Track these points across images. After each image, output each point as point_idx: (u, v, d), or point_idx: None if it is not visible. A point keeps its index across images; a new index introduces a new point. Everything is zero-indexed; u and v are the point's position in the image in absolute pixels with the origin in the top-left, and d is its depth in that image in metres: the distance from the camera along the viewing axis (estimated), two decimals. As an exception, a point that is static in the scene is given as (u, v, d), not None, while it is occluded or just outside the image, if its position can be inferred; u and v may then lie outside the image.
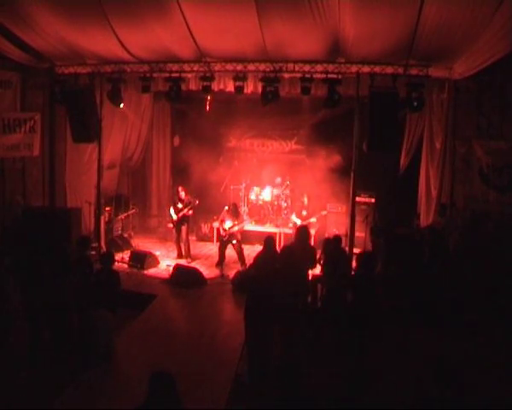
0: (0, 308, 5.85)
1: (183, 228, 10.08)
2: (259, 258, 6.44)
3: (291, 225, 11.21)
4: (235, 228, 9.37)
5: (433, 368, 3.95)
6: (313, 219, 10.24)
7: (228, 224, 9.39)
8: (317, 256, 7.36)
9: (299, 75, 8.70)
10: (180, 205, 10.00)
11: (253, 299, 5.83)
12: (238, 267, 9.32)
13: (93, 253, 9.14)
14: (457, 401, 3.85)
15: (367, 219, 9.99)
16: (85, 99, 9.45)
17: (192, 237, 11.00)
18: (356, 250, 9.55)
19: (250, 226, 11.21)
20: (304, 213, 10.30)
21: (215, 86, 9.31)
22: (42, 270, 6.14)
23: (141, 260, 9.52)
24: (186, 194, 10.06)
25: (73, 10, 7.72)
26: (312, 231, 9.89)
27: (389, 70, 8.36)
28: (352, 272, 7.87)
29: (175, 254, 10.36)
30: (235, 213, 9.46)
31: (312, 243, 9.19)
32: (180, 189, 10.13)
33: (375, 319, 6.32)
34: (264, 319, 5.70)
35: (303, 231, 7.05)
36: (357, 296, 6.07)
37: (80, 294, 6.11)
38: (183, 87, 9.32)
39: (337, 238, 7.16)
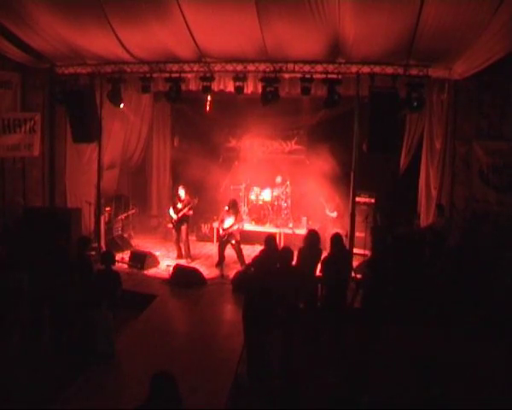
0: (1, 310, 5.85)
1: (183, 228, 10.07)
2: (259, 257, 6.44)
3: (291, 225, 11.24)
4: (235, 227, 9.36)
5: (431, 368, 3.95)
6: (334, 214, 10.32)
7: (227, 223, 9.37)
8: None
9: (299, 75, 8.70)
10: (180, 205, 9.99)
11: (251, 299, 5.84)
12: (238, 267, 9.31)
13: (93, 253, 9.13)
14: (451, 400, 3.86)
15: (367, 219, 9.99)
16: (85, 99, 9.45)
17: (192, 238, 11.00)
18: (356, 250, 9.58)
19: (250, 226, 11.22)
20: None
21: (215, 86, 9.31)
22: (42, 270, 6.14)
23: (141, 260, 9.52)
24: (186, 193, 10.05)
25: (73, 10, 7.72)
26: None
27: (389, 70, 8.37)
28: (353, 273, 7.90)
29: (175, 254, 10.35)
30: (234, 210, 9.43)
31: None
32: (180, 188, 10.12)
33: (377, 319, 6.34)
34: (263, 318, 5.70)
35: (312, 235, 7.03)
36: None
37: (80, 294, 6.11)
38: (183, 87, 9.32)
39: (339, 236, 7.14)
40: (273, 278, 5.86)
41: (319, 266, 6.83)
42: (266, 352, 5.86)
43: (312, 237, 6.88)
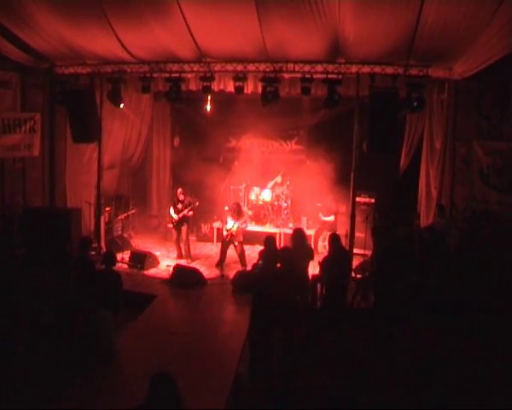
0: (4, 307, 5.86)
1: (183, 228, 10.06)
2: (262, 258, 6.44)
3: (291, 225, 11.24)
4: (241, 225, 9.31)
5: (430, 367, 3.96)
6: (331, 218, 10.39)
7: (230, 224, 9.36)
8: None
9: (299, 75, 8.71)
10: (180, 206, 9.99)
11: (259, 299, 5.89)
12: (238, 267, 9.30)
13: (93, 253, 9.13)
14: (451, 400, 3.86)
15: (367, 219, 9.99)
16: (85, 99, 9.46)
17: (192, 238, 11.00)
18: (356, 250, 9.58)
19: (250, 226, 11.23)
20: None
21: (215, 86, 9.31)
22: (43, 271, 6.14)
23: (141, 260, 9.51)
24: (185, 196, 10.04)
25: (73, 10, 7.72)
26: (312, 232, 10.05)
27: (389, 70, 8.37)
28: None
29: (175, 254, 10.35)
30: (238, 213, 9.42)
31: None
32: (179, 191, 10.09)
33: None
34: (269, 319, 5.74)
35: (298, 234, 7.04)
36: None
37: (81, 294, 6.11)
38: (183, 87, 9.32)
39: (336, 235, 7.13)
40: (275, 278, 5.88)
41: (318, 267, 6.84)
42: (270, 352, 5.89)
43: (299, 236, 6.89)
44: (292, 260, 6.10)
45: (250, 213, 11.52)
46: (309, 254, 7.02)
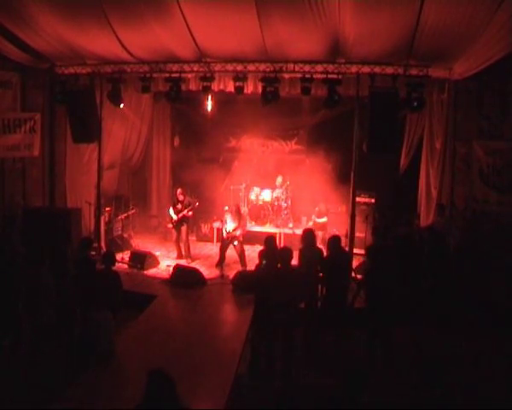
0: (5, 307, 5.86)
1: (183, 228, 10.06)
2: (265, 258, 6.44)
3: (291, 225, 11.25)
4: (237, 232, 9.32)
5: (430, 367, 3.96)
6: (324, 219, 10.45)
7: (230, 226, 9.34)
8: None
9: (299, 75, 8.71)
10: (179, 206, 9.98)
11: (260, 299, 5.89)
12: (238, 267, 9.30)
13: (93, 253, 9.12)
14: (450, 400, 3.87)
15: (367, 219, 9.99)
16: (85, 99, 9.47)
17: (192, 238, 10.99)
18: (356, 250, 9.58)
19: (250, 226, 11.22)
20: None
21: (215, 86, 9.32)
22: (43, 270, 6.14)
23: (141, 260, 9.51)
24: (185, 196, 10.04)
25: (73, 10, 7.72)
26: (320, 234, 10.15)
27: (389, 70, 8.38)
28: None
29: (175, 254, 10.34)
30: (237, 215, 9.42)
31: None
32: (178, 191, 10.09)
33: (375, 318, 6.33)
34: (270, 319, 5.75)
35: (308, 235, 7.03)
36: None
37: (82, 294, 6.11)
38: (183, 87, 9.33)
39: (336, 238, 7.12)
40: (275, 278, 5.88)
41: (319, 267, 6.83)
42: (270, 352, 5.90)
43: (309, 237, 6.89)
44: (291, 259, 6.10)
45: (246, 212, 11.51)
46: (318, 254, 6.95)
